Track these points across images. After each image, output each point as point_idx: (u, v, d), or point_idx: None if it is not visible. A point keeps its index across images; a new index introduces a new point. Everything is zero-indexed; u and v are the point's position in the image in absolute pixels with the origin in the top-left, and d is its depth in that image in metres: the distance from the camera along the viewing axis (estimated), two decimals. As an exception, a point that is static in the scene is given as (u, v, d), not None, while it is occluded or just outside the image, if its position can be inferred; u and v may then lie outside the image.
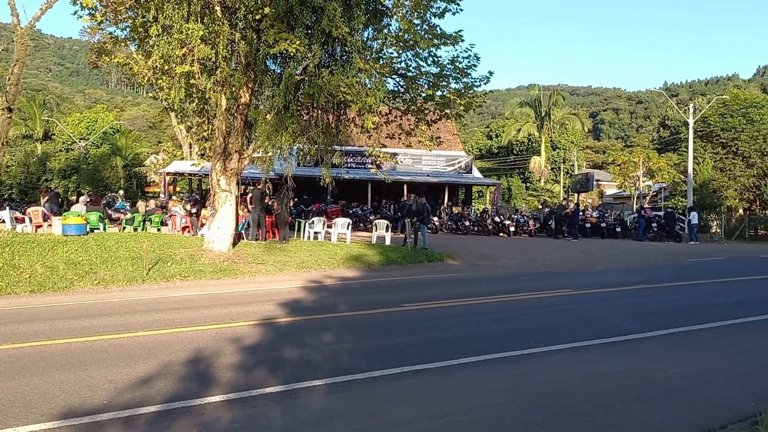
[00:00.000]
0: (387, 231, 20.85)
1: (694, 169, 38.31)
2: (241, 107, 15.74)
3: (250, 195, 21.22)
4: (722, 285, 13.70)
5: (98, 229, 19.94)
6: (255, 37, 14.07)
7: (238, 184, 16.48)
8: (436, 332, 8.14)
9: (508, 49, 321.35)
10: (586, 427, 4.78)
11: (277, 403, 5.22)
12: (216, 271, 13.93)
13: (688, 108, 38.99)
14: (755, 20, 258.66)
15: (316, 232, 20.93)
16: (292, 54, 13.08)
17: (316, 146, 16.54)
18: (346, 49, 13.81)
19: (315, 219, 21.77)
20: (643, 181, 48.48)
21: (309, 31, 13.51)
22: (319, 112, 15.55)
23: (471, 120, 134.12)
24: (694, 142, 38.96)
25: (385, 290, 12.56)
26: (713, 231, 38.39)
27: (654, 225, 30.48)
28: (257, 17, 13.46)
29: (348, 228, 20.70)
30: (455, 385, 5.86)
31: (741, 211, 43.03)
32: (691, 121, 37.47)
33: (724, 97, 44.98)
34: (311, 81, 13.77)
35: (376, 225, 21.51)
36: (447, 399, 5.44)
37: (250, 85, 15.45)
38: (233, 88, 14.79)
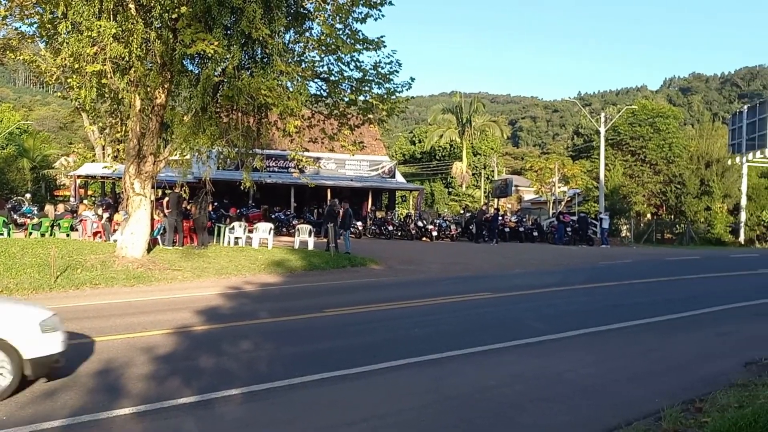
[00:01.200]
0: (310, 236, 20.67)
1: (605, 175, 40.16)
2: (156, 108, 15.20)
3: (166, 199, 20.52)
4: (630, 287, 14.37)
5: (2, 234, 18.83)
6: (171, 36, 13.64)
7: (153, 187, 15.93)
8: (358, 337, 8.13)
9: (431, 56, 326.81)
10: (500, 428, 4.89)
11: (191, 414, 5.05)
12: (129, 278, 13.36)
13: (600, 117, 40.87)
14: (663, 34, 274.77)
15: (236, 238, 20.48)
16: (210, 55, 12.74)
17: (237, 149, 16.23)
18: (267, 51, 13.61)
19: (235, 224, 21.29)
20: (559, 187, 50.40)
21: (228, 32, 13.23)
22: (240, 114, 15.23)
23: (395, 125, 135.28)
24: (606, 149, 40.85)
25: (307, 296, 12.44)
26: (623, 235, 40.37)
27: (569, 229, 31.68)
28: (173, 16, 13.02)
29: (270, 233, 20.37)
30: (376, 389, 5.87)
31: (649, 215, 45.47)
32: (602, 129, 39.27)
33: (633, 107, 47.45)
34: (230, 83, 13.46)
35: (298, 230, 21.28)
36: (368, 404, 5.43)
37: (166, 86, 14.95)
38: (148, 89, 14.26)
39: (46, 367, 5.65)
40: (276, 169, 30.82)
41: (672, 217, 44.23)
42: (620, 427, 4.83)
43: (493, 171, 64.51)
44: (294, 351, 7.38)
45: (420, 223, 30.03)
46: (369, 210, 32.78)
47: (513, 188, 51.94)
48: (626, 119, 44.90)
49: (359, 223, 28.51)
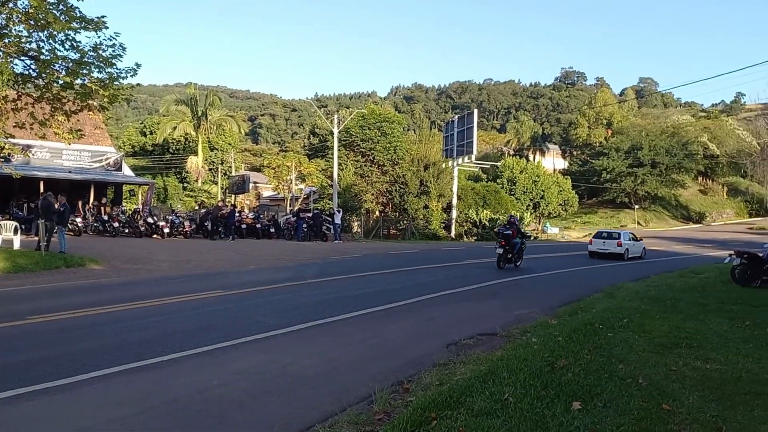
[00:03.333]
0: (16, 234, 18.13)
1: (339, 174, 42.21)
2: None
3: None
4: (356, 279, 15.28)
5: None
6: None
7: None
8: (66, 345, 7.29)
9: (168, 45, 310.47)
10: (219, 428, 4.77)
11: None
12: None
13: (334, 119, 42.83)
14: (391, 45, 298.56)
15: None
16: None
17: None
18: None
19: None
20: (296, 185, 51.64)
21: None
22: None
23: (125, 114, 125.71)
24: (339, 150, 42.94)
25: (10, 301, 10.82)
26: (355, 231, 42.87)
27: (304, 226, 32.62)
28: None
29: (-38, 231, 17.38)
30: (84, 401, 5.30)
31: (377, 213, 48.95)
32: (336, 130, 41.20)
33: (363, 111, 50.58)
34: None
35: (2, 227, 18.50)
36: (72, 417, 4.88)
37: None
38: None
39: None
40: (-27, 157, 26.39)
41: (397, 214, 48.19)
42: (335, 413, 5.06)
43: (230, 167, 63.58)
44: (-17, 367, 6.34)
45: (150, 220, 28.28)
46: (91, 205, 29.89)
47: (251, 185, 51.83)
48: (357, 122, 47.66)
49: (79, 220, 25.82)
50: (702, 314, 9.78)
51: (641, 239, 29.28)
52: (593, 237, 28.41)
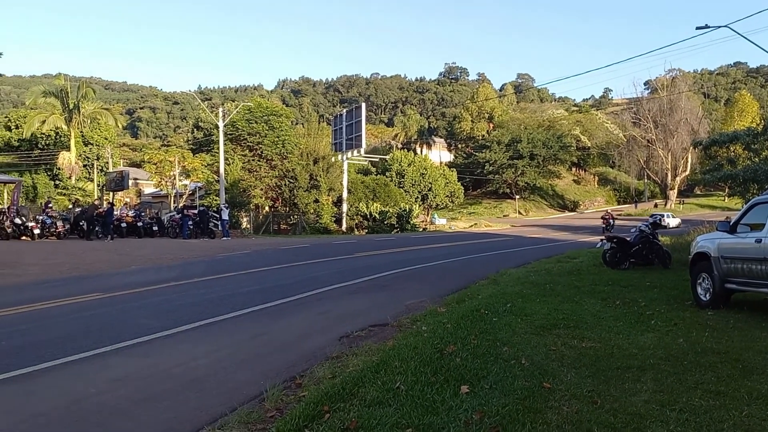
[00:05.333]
0: None
1: (225, 169, 41.07)
2: None
3: None
4: (245, 276, 14.93)
5: None
6: None
7: None
8: None
9: (34, 32, 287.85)
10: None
11: None
12: None
13: (219, 112, 41.57)
14: (277, 38, 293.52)
15: None
16: None
17: None
18: None
19: None
20: (180, 180, 49.67)
21: None
22: None
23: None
24: (225, 144, 41.78)
25: None
26: (244, 227, 41.98)
27: (190, 223, 31.47)
28: None
29: None
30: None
31: (267, 208, 48.15)
32: (221, 124, 40.03)
33: (249, 104, 49.46)
34: None
35: None
36: None
37: None
38: None
39: None
40: None
41: (287, 209, 47.66)
42: (225, 413, 4.90)
43: (107, 162, 60.09)
44: None
45: (18, 220, 26.15)
46: (-53, 206, 27.22)
47: (130, 181, 49.31)
48: (244, 115, 46.54)
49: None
50: (577, 296, 10.42)
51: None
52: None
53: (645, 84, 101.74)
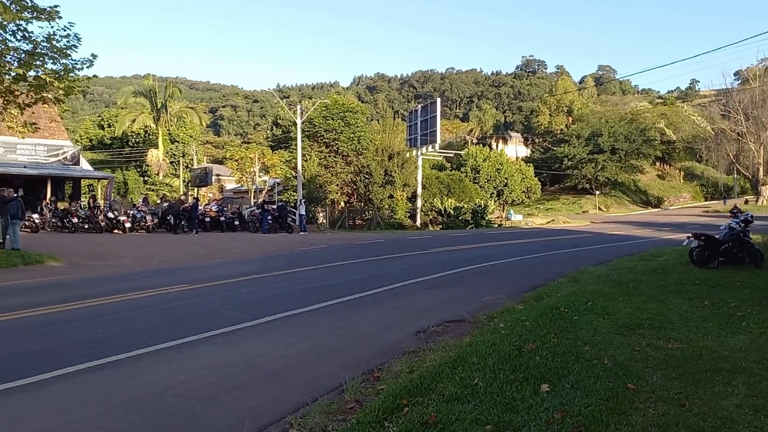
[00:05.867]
0: (-31, 232, 17.53)
1: (303, 165, 41.95)
2: None
3: None
4: (324, 270, 15.23)
5: None
6: None
7: None
8: (24, 345, 7.10)
9: (125, 35, 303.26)
10: (188, 423, 4.71)
11: None
12: None
13: (297, 109, 42.46)
14: (353, 35, 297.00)
15: None
16: None
17: None
18: None
19: None
20: (260, 176, 51.15)
21: None
22: None
23: (81, 108, 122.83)
24: (303, 140, 42.64)
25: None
26: (320, 222, 42.74)
27: (269, 218, 32.37)
28: None
29: None
30: (43, 403, 5.16)
31: (342, 203, 48.82)
32: (299, 121, 40.88)
33: (326, 101, 50.25)
34: None
35: (-47, 225, 17.87)
36: (33, 419, 4.76)
37: None
38: None
39: None
40: None
41: (362, 204, 48.13)
42: (307, 403, 5.04)
43: (192, 159, 62.61)
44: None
45: (110, 215, 27.69)
46: (48, 200, 29.12)
47: (214, 177, 51.15)
48: (320, 112, 47.28)
49: (36, 216, 25.15)
50: (662, 295, 10.02)
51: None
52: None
53: (735, 74, 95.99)
